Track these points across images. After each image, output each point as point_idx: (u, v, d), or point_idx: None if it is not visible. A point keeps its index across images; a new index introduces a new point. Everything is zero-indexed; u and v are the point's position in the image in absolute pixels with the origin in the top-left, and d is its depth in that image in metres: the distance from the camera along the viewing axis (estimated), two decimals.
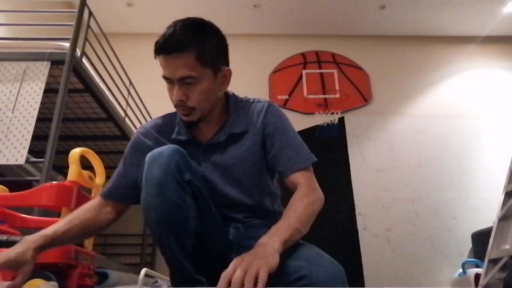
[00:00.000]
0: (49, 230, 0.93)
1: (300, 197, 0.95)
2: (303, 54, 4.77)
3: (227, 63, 1.06)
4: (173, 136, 1.09)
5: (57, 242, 0.94)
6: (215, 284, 0.72)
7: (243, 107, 1.12)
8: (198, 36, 0.97)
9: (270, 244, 0.79)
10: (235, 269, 0.71)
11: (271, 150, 1.06)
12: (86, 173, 1.65)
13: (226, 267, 0.97)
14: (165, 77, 0.99)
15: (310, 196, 0.96)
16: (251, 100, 1.14)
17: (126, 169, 1.09)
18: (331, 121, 4.30)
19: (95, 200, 1.08)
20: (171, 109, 1.15)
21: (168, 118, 1.15)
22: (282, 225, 0.86)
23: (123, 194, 1.07)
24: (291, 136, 1.07)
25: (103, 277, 1.78)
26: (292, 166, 1.02)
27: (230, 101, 1.12)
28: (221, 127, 1.09)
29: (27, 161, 1.89)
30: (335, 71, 4.65)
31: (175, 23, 0.98)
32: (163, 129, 1.12)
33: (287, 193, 1.15)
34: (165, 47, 0.95)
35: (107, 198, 1.07)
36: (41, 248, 0.88)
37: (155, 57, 1.00)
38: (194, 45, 0.95)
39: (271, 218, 1.07)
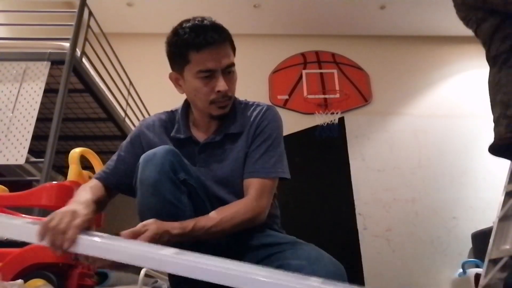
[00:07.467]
0: (84, 198, 0.95)
1: (235, 211, 0.95)
2: (303, 54, 4.77)
3: None
4: (172, 133, 1.10)
5: (96, 208, 0.95)
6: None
7: (242, 109, 1.12)
8: (224, 27, 1.02)
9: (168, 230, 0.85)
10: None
11: (248, 150, 1.07)
12: (86, 173, 1.65)
13: None
14: (207, 70, 0.99)
15: (244, 215, 0.95)
16: (250, 103, 1.15)
17: (124, 156, 1.10)
18: (331, 121, 4.29)
19: (94, 183, 1.08)
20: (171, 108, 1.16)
21: (170, 115, 1.15)
22: (191, 225, 0.88)
23: (118, 181, 1.09)
24: (270, 145, 1.06)
25: (103, 277, 1.78)
26: (251, 172, 1.03)
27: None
28: (218, 127, 1.09)
29: (27, 161, 1.89)
30: (335, 71, 4.65)
31: (201, 19, 1.00)
32: (166, 124, 1.13)
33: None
34: (210, 39, 0.97)
35: (105, 183, 1.09)
36: (93, 212, 0.90)
37: (185, 54, 0.99)
38: (227, 35, 1.02)
39: (267, 218, 1.06)
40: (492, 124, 1.46)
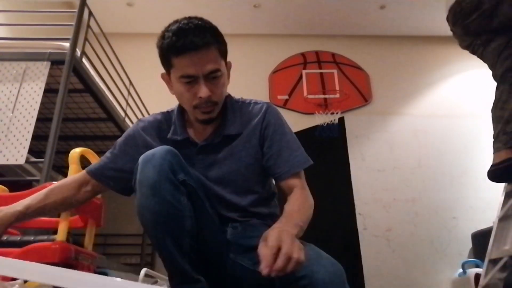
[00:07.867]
0: (21, 206, 1.00)
1: (303, 200, 0.99)
2: (303, 54, 4.77)
3: None
4: (169, 135, 1.09)
5: (27, 217, 1.02)
6: (214, 283, 0.71)
7: (239, 108, 1.11)
8: (214, 30, 0.99)
9: (291, 233, 0.78)
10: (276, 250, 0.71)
11: (268, 152, 1.06)
12: None
13: (225, 266, 0.96)
14: (188, 76, 0.97)
15: (309, 201, 1.00)
16: (247, 101, 1.14)
17: (117, 155, 1.11)
18: (331, 121, 4.29)
19: (79, 175, 1.12)
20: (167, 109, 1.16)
21: (167, 116, 1.15)
22: (291, 221, 0.86)
23: (106, 178, 1.10)
24: (289, 139, 1.07)
25: None
26: (289, 170, 1.03)
27: (226, 101, 1.11)
28: (216, 128, 1.08)
29: (27, 161, 1.89)
30: (335, 71, 4.65)
31: (187, 21, 0.97)
32: (162, 126, 1.12)
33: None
34: (189, 44, 0.94)
35: (92, 176, 1.10)
36: (11, 224, 0.98)
37: (169, 58, 0.98)
38: (215, 39, 0.98)
39: (268, 218, 1.06)
40: (492, 136, 1.49)
